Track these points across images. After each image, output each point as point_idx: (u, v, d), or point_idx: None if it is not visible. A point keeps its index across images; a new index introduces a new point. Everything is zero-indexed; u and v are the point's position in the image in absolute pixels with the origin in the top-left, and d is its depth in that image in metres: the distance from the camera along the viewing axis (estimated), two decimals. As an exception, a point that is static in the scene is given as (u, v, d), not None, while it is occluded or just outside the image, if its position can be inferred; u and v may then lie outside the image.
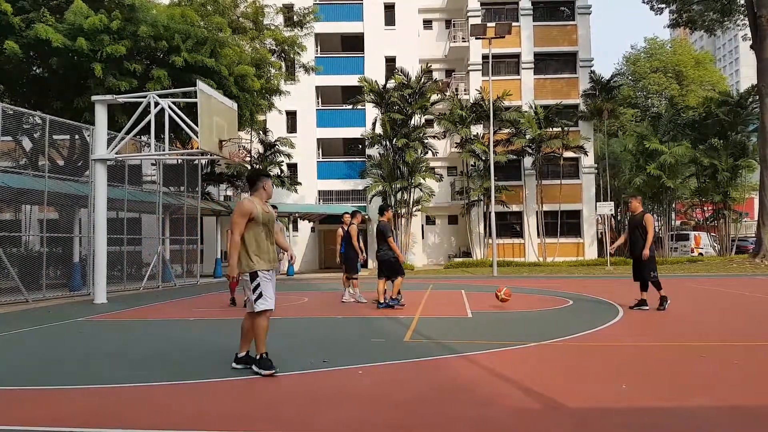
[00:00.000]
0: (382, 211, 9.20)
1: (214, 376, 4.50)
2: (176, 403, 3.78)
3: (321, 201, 28.41)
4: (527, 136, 26.67)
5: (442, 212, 30.14)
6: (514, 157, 27.06)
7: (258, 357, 4.55)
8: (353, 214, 10.11)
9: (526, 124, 26.27)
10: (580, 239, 28.32)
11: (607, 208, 22.84)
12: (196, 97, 10.83)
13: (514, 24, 27.25)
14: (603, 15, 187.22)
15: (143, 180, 17.50)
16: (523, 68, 29.10)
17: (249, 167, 25.04)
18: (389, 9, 28.93)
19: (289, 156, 25.97)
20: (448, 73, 31.82)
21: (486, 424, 3.21)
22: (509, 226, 28.72)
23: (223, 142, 11.21)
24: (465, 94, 29.64)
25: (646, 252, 8.17)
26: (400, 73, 25.83)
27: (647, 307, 8.31)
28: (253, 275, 4.53)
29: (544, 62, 29.41)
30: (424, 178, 26.02)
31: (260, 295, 4.51)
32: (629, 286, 13.18)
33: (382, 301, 8.98)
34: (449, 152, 29.78)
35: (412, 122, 26.08)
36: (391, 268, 8.98)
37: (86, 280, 13.05)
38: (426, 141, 26.04)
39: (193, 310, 9.55)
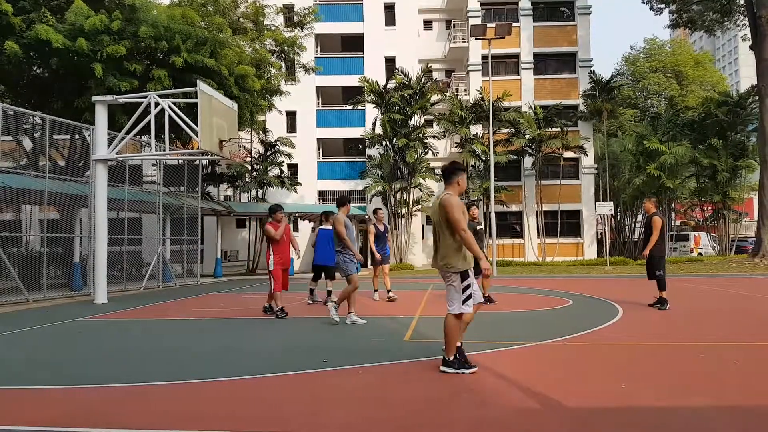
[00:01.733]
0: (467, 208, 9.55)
1: (215, 376, 4.51)
2: (176, 403, 3.78)
3: (321, 201, 28.41)
4: (527, 137, 26.69)
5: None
6: (514, 157, 27.07)
7: (450, 358, 4.45)
8: (328, 215, 10.12)
9: (526, 125, 26.30)
10: (579, 239, 28.32)
11: (607, 208, 22.86)
12: (196, 98, 10.83)
13: (514, 24, 27.25)
14: (603, 15, 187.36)
15: (143, 180, 17.50)
16: (523, 68, 29.11)
17: (249, 167, 25.08)
18: (389, 9, 28.93)
19: (289, 156, 25.97)
20: (448, 73, 31.83)
21: (486, 424, 3.22)
22: (509, 226, 28.74)
23: (224, 142, 11.22)
24: (465, 94, 29.65)
25: (645, 252, 8.42)
26: (400, 73, 25.84)
27: (668, 306, 8.36)
28: (464, 275, 4.41)
29: (543, 62, 29.43)
30: (424, 179, 26.03)
31: (469, 296, 4.42)
32: (629, 285, 13.21)
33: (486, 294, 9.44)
34: (449, 152, 29.77)
35: (412, 122, 26.09)
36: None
37: (87, 280, 13.05)
38: (426, 141, 26.06)
39: (193, 310, 9.56)
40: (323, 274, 10.16)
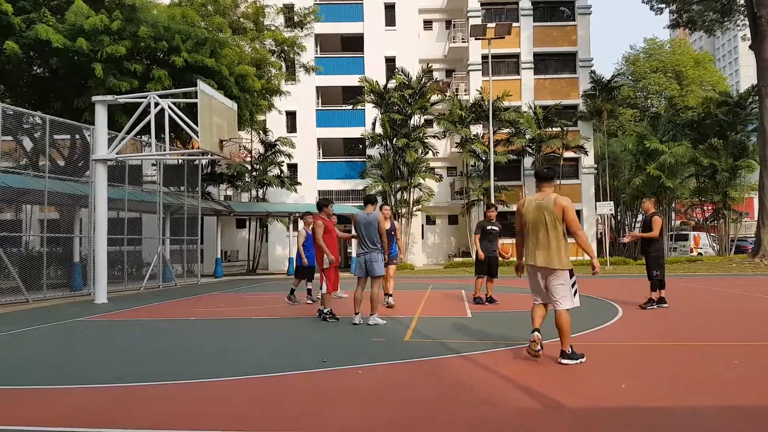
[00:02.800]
0: (487, 208, 9.90)
1: (214, 375, 4.51)
2: (176, 403, 3.78)
3: (321, 201, 28.38)
4: (527, 136, 26.69)
5: (442, 212, 30.15)
6: (514, 157, 27.08)
7: (569, 351, 4.71)
8: (304, 216, 10.16)
9: (526, 124, 26.29)
10: (579, 239, 28.29)
11: (607, 208, 22.84)
12: (196, 97, 10.84)
13: (514, 24, 27.26)
14: (603, 15, 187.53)
15: (144, 180, 17.51)
16: (523, 68, 29.11)
17: (249, 167, 25.09)
18: (389, 9, 28.94)
19: (289, 156, 25.98)
20: (448, 73, 31.84)
21: (486, 423, 3.22)
22: (509, 226, 28.64)
23: (224, 142, 11.23)
24: (465, 94, 29.65)
25: (636, 233, 8.65)
26: (400, 73, 25.84)
27: (665, 305, 8.42)
28: (572, 272, 4.65)
29: (543, 62, 29.43)
30: (424, 178, 26.04)
31: (576, 291, 4.69)
32: (629, 285, 13.20)
33: (477, 295, 9.66)
34: (449, 152, 29.78)
35: (412, 122, 26.09)
36: (497, 266, 9.67)
37: (87, 280, 13.05)
38: (426, 141, 26.06)
39: (193, 310, 9.56)
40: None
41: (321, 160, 28.99)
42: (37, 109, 13.93)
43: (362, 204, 8.62)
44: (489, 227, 9.50)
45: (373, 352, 5.42)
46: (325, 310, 7.76)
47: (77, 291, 12.98)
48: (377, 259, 7.17)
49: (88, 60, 13.15)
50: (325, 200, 8.07)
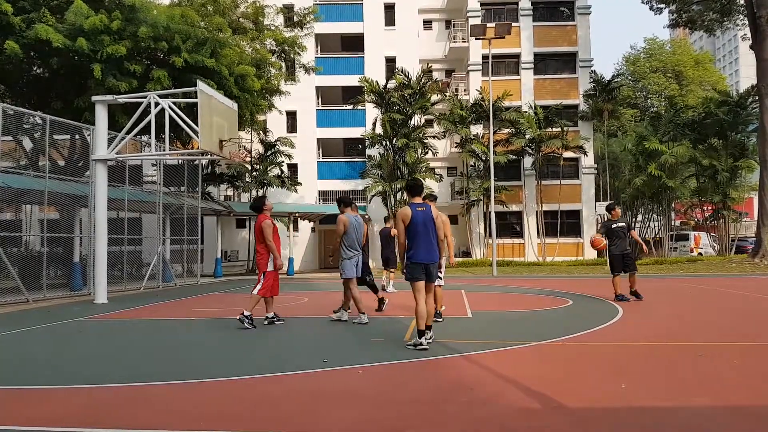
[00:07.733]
0: (609, 209, 9.91)
1: (214, 375, 4.51)
2: (176, 403, 3.79)
3: (321, 201, 28.42)
4: (527, 137, 26.69)
5: (442, 212, 29.93)
6: (514, 157, 27.06)
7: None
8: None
9: (526, 125, 26.29)
10: (579, 239, 28.32)
11: (607, 208, 22.82)
12: (196, 98, 10.83)
13: (513, 24, 27.24)
14: (603, 15, 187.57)
15: (144, 180, 17.49)
16: (523, 68, 29.11)
17: (249, 167, 25.10)
18: (389, 9, 28.93)
19: (289, 156, 25.97)
20: (448, 73, 31.82)
21: (486, 423, 3.22)
22: (509, 226, 28.71)
23: (224, 142, 11.22)
24: (465, 94, 29.64)
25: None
26: (400, 73, 25.83)
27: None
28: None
29: (543, 62, 29.42)
30: (424, 179, 25.98)
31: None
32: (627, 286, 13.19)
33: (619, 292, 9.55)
34: (449, 152, 29.77)
35: (412, 122, 26.08)
36: (633, 259, 9.79)
37: (87, 280, 13.05)
38: (426, 141, 26.04)
39: (193, 310, 9.56)
40: None
41: (321, 160, 28.98)
42: (37, 109, 13.92)
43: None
44: (615, 225, 9.55)
45: (373, 352, 5.43)
46: (245, 313, 6.99)
47: (77, 291, 12.98)
48: (339, 262, 7.44)
49: (88, 60, 13.14)
50: (262, 198, 7.52)
